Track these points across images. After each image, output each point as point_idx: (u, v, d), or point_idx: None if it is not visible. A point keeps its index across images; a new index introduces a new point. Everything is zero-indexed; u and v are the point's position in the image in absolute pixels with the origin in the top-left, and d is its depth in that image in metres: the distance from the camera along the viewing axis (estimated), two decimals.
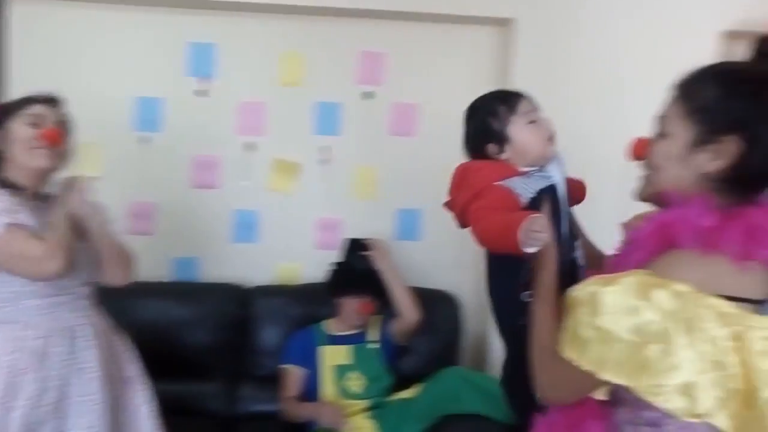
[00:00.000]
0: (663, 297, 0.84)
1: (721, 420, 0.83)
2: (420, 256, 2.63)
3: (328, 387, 2.19)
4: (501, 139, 1.24)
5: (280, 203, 2.60)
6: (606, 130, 2.35)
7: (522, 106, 1.25)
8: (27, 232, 1.52)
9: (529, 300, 1.12)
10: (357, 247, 2.33)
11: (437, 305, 2.42)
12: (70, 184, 1.63)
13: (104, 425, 1.59)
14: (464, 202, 1.20)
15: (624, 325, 0.85)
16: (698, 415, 0.83)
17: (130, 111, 2.52)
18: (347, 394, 2.18)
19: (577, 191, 1.35)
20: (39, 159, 1.58)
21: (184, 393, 2.27)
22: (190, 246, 2.58)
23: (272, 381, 2.27)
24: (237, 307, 2.39)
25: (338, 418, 2.06)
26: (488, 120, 1.25)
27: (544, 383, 1.02)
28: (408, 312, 2.23)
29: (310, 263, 2.57)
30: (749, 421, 0.84)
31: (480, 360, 2.61)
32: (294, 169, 2.59)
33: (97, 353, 1.62)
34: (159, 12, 2.50)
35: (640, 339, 0.84)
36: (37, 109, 1.60)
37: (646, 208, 1.04)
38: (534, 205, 1.16)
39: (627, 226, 1.05)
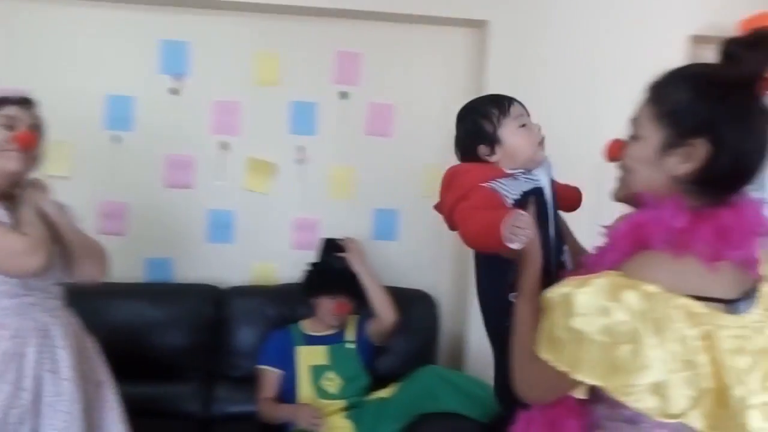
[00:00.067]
0: (632, 298, 0.85)
1: (695, 419, 0.84)
2: (397, 256, 2.63)
3: (304, 387, 2.18)
4: (492, 141, 1.25)
5: (255, 203, 2.58)
6: (579, 131, 2.38)
7: (514, 110, 1.27)
8: (6, 228, 1.51)
9: (515, 301, 1.13)
10: (332, 247, 2.33)
11: (414, 305, 2.43)
12: (33, 184, 1.61)
13: (79, 427, 1.57)
14: (451, 204, 1.21)
15: (595, 326, 0.86)
16: (672, 415, 0.84)
17: (101, 109, 2.47)
18: (324, 395, 2.18)
19: (571, 197, 1.36)
20: (10, 162, 1.55)
21: (159, 395, 2.24)
22: (163, 246, 2.54)
23: (248, 382, 2.25)
24: (212, 308, 2.36)
25: (315, 420, 2.05)
26: (480, 122, 1.27)
27: (522, 382, 1.03)
28: (385, 313, 2.24)
29: (287, 263, 2.55)
30: (723, 419, 0.85)
31: (457, 359, 2.63)
32: (269, 169, 2.58)
33: (69, 354, 1.60)
34: (131, 9, 2.46)
35: (611, 340, 0.85)
36: (10, 110, 1.57)
37: (621, 209, 1.06)
38: (519, 206, 1.17)
39: (610, 229, 1.06)
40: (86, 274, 1.68)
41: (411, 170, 2.64)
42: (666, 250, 0.90)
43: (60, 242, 1.60)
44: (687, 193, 0.94)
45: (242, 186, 2.57)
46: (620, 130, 1.05)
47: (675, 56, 2.41)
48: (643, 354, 0.83)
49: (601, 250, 1.01)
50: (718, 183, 0.93)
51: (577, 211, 1.38)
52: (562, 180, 1.36)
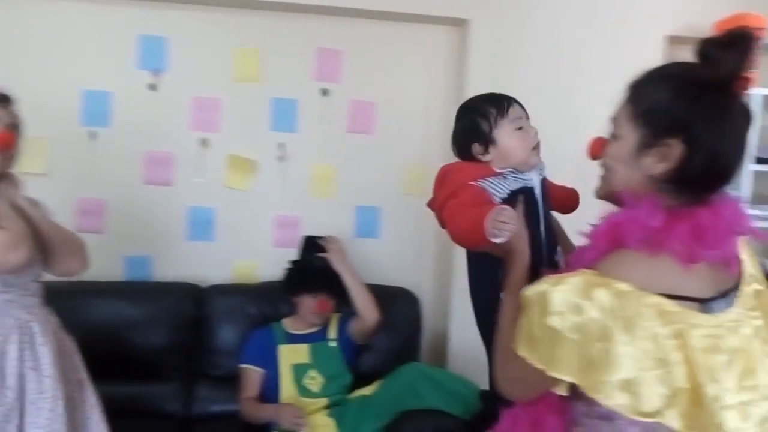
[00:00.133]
0: (603, 296, 0.86)
1: (672, 419, 0.85)
2: (379, 254, 2.63)
3: (286, 386, 2.17)
4: (487, 141, 1.26)
5: (236, 200, 2.56)
6: (560, 130, 2.40)
7: (512, 112, 1.27)
8: None
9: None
10: (313, 245, 2.32)
11: (396, 302, 2.44)
12: (5, 178, 1.58)
13: (62, 424, 1.56)
14: (442, 201, 1.22)
15: (569, 323, 0.87)
16: (646, 414, 0.84)
17: (77, 105, 2.43)
18: (306, 393, 2.17)
19: (568, 199, 1.37)
20: None
21: (140, 394, 2.22)
22: (142, 244, 2.51)
23: (229, 381, 2.24)
24: (193, 307, 2.34)
25: (297, 420, 2.04)
26: (477, 120, 1.27)
27: (504, 380, 1.04)
28: (367, 313, 2.23)
29: (268, 261, 2.54)
30: (700, 419, 0.85)
31: (439, 356, 2.64)
32: (250, 166, 2.56)
33: (50, 351, 1.58)
34: (108, 2, 2.42)
35: (583, 337, 0.86)
36: None
37: (604, 207, 1.06)
38: (508, 205, 1.16)
39: (591, 228, 1.06)
40: (67, 267, 1.66)
41: (393, 168, 2.64)
42: (641, 248, 0.90)
43: (37, 237, 1.58)
44: (664, 193, 0.94)
45: (223, 183, 2.55)
46: (600, 128, 1.06)
47: (653, 56, 2.44)
48: (614, 351, 0.84)
49: (581, 249, 1.02)
50: (693, 183, 0.93)
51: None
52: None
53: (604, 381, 0.84)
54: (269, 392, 2.19)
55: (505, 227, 1.05)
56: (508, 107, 1.27)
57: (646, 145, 0.94)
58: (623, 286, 0.86)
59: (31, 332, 1.57)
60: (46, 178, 2.38)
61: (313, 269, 2.26)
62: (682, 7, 2.55)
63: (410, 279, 2.62)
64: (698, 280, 0.91)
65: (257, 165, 2.56)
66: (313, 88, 2.57)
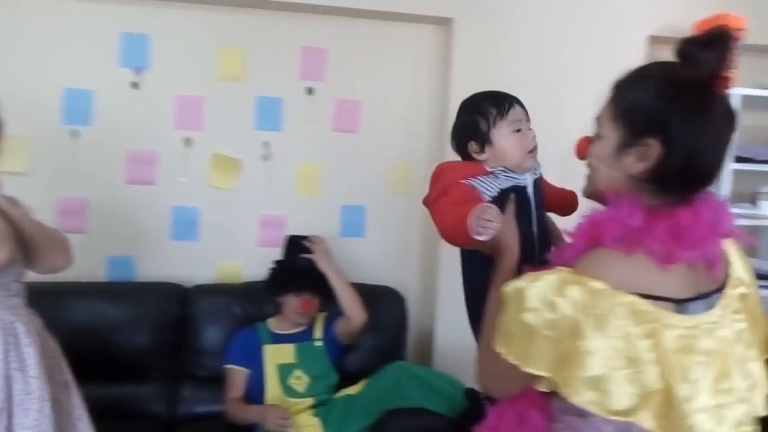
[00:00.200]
0: (576, 293, 0.86)
1: (645, 419, 0.85)
2: (364, 253, 2.63)
3: (272, 386, 2.17)
4: (483, 140, 1.26)
5: (220, 200, 2.54)
6: (543, 129, 2.41)
7: (512, 113, 1.27)
8: None
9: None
10: (297, 245, 2.31)
11: (382, 301, 2.44)
12: None
13: (50, 425, 1.54)
14: (433, 199, 1.22)
15: (543, 320, 0.87)
16: (616, 412, 0.84)
17: (59, 103, 2.40)
18: (292, 393, 2.16)
19: (566, 200, 1.38)
20: None
21: (124, 395, 2.20)
22: (125, 244, 2.49)
23: (214, 381, 2.22)
24: (177, 307, 2.32)
25: (283, 421, 2.03)
26: (477, 119, 1.27)
27: (483, 375, 1.05)
28: (354, 313, 2.22)
29: (252, 261, 2.53)
30: (672, 419, 0.86)
31: (425, 354, 2.65)
32: (234, 165, 2.54)
33: (36, 351, 1.56)
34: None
35: (555, 334, 0.86)
36: None
37: (596, 207, 1.07)
38: (498, 204, 1.17)
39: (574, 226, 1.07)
40: (51, 264, 1.63)
41: (378, 167, 2.64)
42: (617, 247, 0.90)
43: (18, 236, 1.55)
44: (645, 192, 0.95)
45: (207, 182, 2.53)
46: (583, 127, 1.07)
47: (635, 56, 2.47)
48: (584, 348, 0.84)
49: (563, 247, 1.03)
50: (672, 182, 0.93)
51: None
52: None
53: (574, 377, 0.85)
54: (254, 392, 2.18)
55: (489, 225, 1.05)
56: (509, 108, 1.28)
57: (626, 145, 0.94)
58: (597, 285, 0.87)
59: (16, 333, 1.55)
60: (26, 177, 2.35)
61: (297, 269, 2.25)
62: (664, 7, 2.58)
63: (396, 278, 2.62)
64: (675, 281, 0.91)
65: (242, 164, 2.55)
66: (298, 86, 2.56)
